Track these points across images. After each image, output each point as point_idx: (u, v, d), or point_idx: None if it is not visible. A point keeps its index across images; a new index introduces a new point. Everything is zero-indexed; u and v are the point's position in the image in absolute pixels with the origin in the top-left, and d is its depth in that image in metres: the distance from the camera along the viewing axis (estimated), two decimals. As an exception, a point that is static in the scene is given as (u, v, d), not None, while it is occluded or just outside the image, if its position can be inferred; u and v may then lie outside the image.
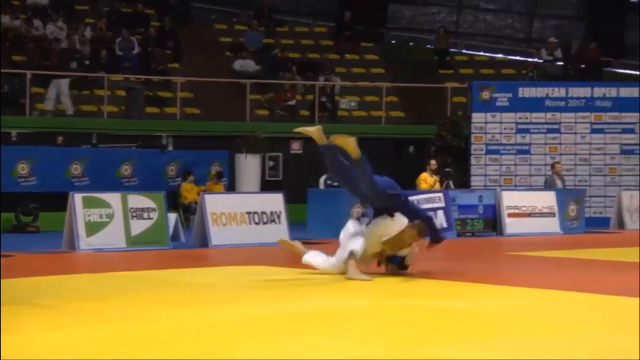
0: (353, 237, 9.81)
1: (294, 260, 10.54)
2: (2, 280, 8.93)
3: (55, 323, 6.97)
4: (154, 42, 24.07)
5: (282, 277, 10.19)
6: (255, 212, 14.64)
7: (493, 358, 5.88)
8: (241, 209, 14.54)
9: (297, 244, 10.52)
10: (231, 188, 20.44)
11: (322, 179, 17.56)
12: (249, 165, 20.54)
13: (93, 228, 13.14)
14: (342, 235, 10.02)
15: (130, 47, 23.29)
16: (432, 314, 7.89)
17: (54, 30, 22.88)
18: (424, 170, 18.68)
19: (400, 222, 9.76)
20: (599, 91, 20.81)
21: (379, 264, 10.04)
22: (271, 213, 14.77)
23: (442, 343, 6.43)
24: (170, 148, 20.61)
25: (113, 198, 13.52)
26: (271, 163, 22.19)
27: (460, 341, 6.49)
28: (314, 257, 10.14)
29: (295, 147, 22.74)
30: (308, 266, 10.24)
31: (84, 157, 18.76)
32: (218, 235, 14.13)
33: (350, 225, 10.02)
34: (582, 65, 26.16)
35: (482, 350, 6.12)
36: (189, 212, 18.49)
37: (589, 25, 31.02)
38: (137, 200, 13.67)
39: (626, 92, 20.85)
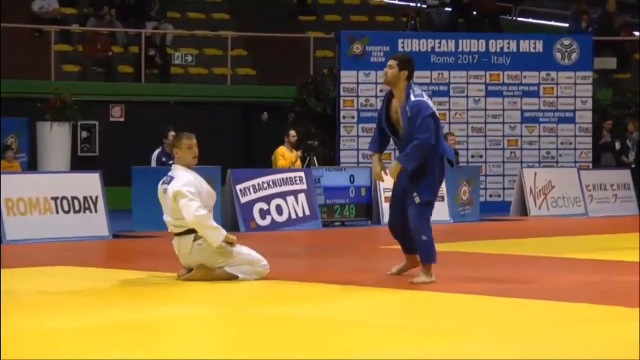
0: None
1: (114, 259, 10.48)
2: None
3: None
4: None
5: (97, 281, 10.10)
6: (64, 198, 14.49)
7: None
8: (45, 193, 14.37)
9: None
10: (32, 166, 20.08)
11: (154, 155, 17.40)
12: (55, 137, 20.23)
13: None
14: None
15: None
16: (275, 323, 7.96)
17: None
18: (282, 143, 18.82)
19: None
20: (495, 44, 21.27)
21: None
22: (85, 198, 14.64)
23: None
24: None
25: None
26: (84, 134, 21.91)
27: None
28: None
29: (116, 114, 22.51)
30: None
31: None
32: (15, 227, 13.92)
33: None
34: (475, 13, 26.78)
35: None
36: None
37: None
38: None
39: (527, 45, 21.36)
